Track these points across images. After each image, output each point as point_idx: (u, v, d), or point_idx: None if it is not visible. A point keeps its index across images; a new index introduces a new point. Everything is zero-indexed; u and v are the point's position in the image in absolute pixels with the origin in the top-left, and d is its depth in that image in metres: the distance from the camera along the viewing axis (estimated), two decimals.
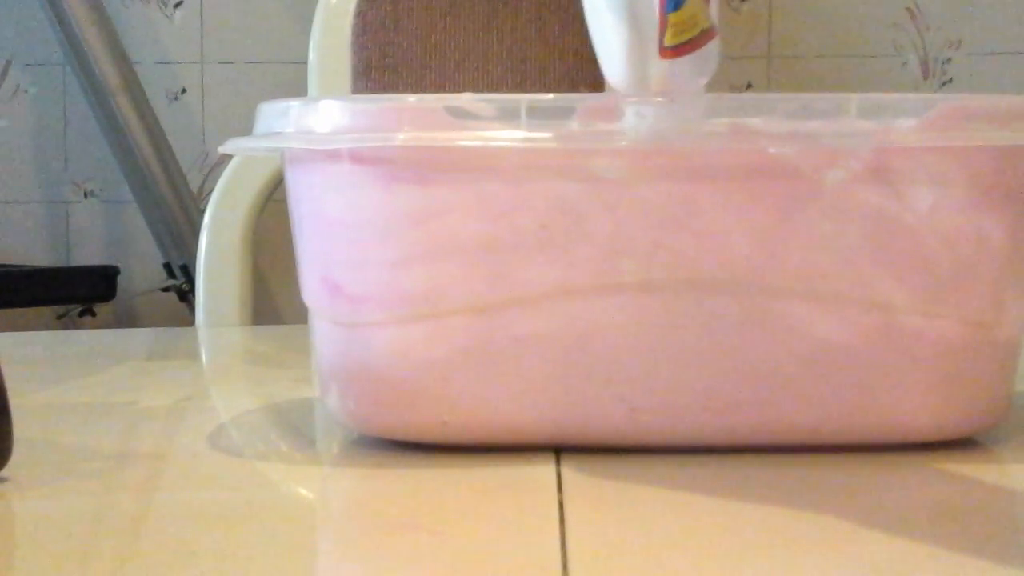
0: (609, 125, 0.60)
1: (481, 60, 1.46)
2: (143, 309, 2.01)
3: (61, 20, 1.88)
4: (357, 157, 0.62)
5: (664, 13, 0.60)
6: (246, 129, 0.68)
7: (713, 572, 0.48)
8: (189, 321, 1.75)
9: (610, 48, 0.62)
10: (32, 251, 2.00)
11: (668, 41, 0.60)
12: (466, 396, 0.62)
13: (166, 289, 1.94)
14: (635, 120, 0.60)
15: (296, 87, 1.76)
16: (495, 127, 0.60)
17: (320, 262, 0.65)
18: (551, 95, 0.62)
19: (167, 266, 1.94)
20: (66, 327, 1.99)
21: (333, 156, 0.62)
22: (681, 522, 0.54)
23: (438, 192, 0.61)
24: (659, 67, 0.61)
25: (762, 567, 0.48)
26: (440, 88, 1.45)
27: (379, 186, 0.61)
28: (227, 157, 1.56)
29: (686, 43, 0.60)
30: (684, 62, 0.60)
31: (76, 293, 1.94)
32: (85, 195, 2.00)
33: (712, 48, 0.61)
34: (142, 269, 2.00)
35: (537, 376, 0.61)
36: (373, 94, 1.35)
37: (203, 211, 1.38)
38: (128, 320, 2.02)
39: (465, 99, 0.60)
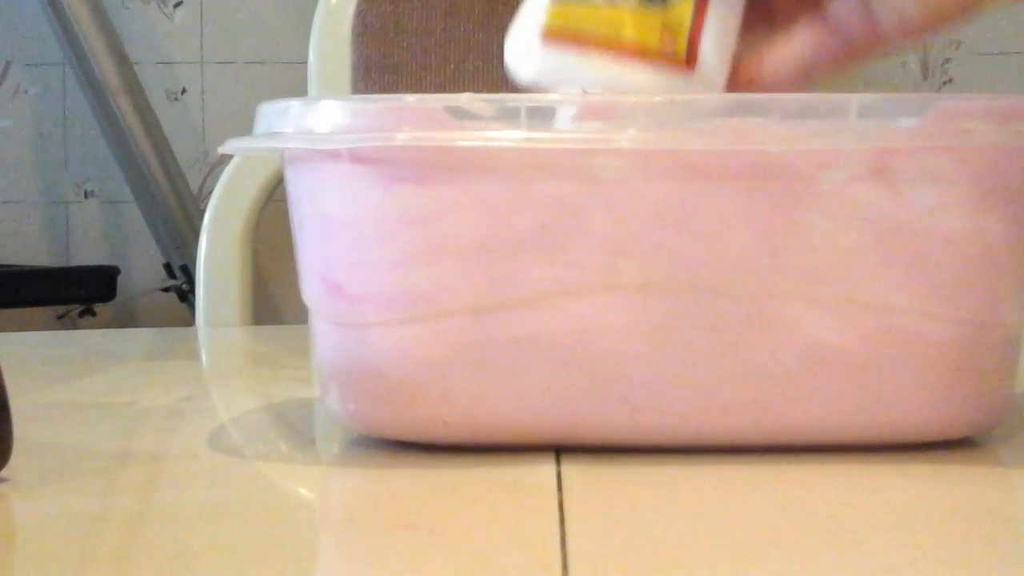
0: (609, 125, 0.60)
1: (481, 60, 1.46)
2: (143, 309, 2.01)
3: (61, 20, 1.88)
4: (357, 157, 0.62)
5: None
6: (246, 129, 0.68)
7: (713, 572, 0.48)
8: (189, 321, 1.75)
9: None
10: (32, 251, 2.00)
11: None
12: (466, 396, 0.62)
13: (166, 289, 1.94)
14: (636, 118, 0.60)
15: (296, 87, 1.76)
16: (495, 127, 0.60)
17: (320, 262, 0.65)
18: (551, 95, 0.62)
19: (167, 266, 1.94)
20: (66, 327, 1.99)
21: (333, 156, 0.62)
22: (681, 522, 0.54)
23: (438, 192, 0.61)
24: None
25: (762, 567, 0.48)
26: (440, 88, 1.45)
27: (379, 186, 0.61)
28: (227, 157, 1.56)
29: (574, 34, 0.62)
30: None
31: (76, 293, 1.94)
32: (85, 195, 2.00)
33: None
34: (142, 269, 2.00)
35: (537, 376, 0.61)
36: (373, 94, 1.35)
37: (203, 211, 1.38)
38: (128, 320, 2.02)
39: (465, 99, 0.60)
